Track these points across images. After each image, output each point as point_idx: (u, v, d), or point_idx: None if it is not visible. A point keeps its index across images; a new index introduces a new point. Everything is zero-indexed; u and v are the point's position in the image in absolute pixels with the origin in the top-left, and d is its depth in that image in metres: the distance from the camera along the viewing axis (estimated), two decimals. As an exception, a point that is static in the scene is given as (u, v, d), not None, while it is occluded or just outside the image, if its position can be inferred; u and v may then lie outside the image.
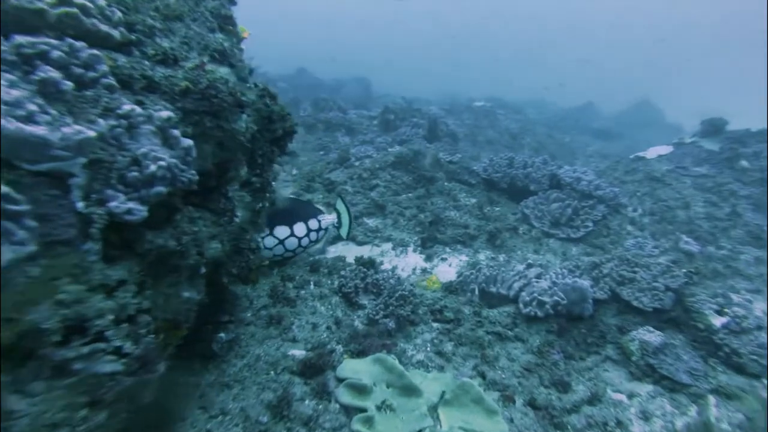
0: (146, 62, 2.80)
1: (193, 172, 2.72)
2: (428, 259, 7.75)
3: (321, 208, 5.82)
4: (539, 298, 5.35)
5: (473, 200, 9.15)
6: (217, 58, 3.45)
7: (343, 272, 5.45)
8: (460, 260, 7.78)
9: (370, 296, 5.38)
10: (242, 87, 3.41)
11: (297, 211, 5.51)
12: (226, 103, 3.02)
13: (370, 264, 5.94)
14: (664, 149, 10.49)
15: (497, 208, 9.14)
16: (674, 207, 8.82)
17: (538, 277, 5.90)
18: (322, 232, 5.80)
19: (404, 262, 7.64)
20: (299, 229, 5.55)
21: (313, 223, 5.71)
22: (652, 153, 10.52)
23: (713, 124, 10.39)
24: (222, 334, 3.66)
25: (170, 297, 2.78)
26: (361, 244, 8.05)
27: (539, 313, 5.30)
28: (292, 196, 5.71)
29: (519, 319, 5.46)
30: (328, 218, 5.84)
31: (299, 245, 5.59)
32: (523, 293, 5.57)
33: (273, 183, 4.11)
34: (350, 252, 7.75)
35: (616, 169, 10.63)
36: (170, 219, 2.78)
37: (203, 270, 3.17)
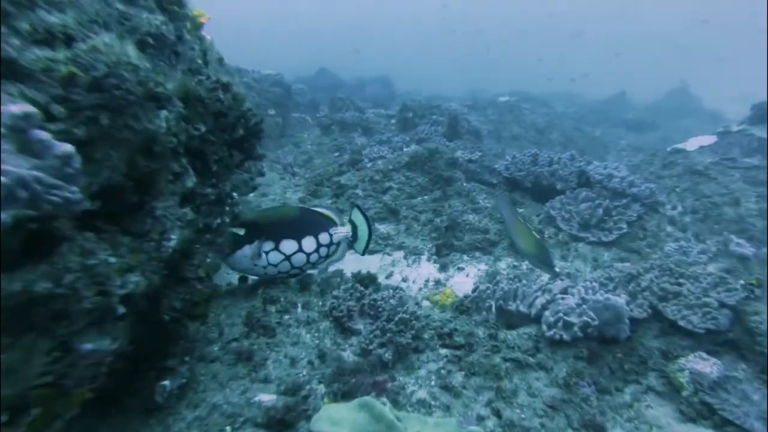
0: (14, 41, 2.03)
1: (75, 188, 1.94)
2: (443, 268, 6.90)
3: (334, 216, 4.93)
4: (565, 318, 4.45)
5: (493, 201, 8.22)
6: (150, 43, 2.66)
7: (336, 292, 4.63)
8: (479, 269, 6.91)
9: (366, 320, 4.56)
10: (172, 77, 2.62)
11: (306, 223, 4.72)
12: (134, 95, 2.24)
13: (369, 280, 5.11)
14: (707, 139, 9.31)
15: (520, 210, 8.20)
16: (720, 203, 7.71)
17: (564, 292, 4.97)
18: (333, 247, 4.97)
19: (416, 273, 6.81)
20: (308, 243, 4.69)
21: (323, 237, 4.88)
22: (692, 144, 9.36)
23: (766, 109, 9.14)
24: (166, 382, 2.88)
25: (47, 354, 2.02)
26: (371, 252, 7.24)
27: (565, 337, 4.39)
28: (301, 205, 4.90)
29: (542, 343, 4.56)
30: (341, 231, 5.02)
31: (308, 261, 4.79)
32: (547, 312, 4.66)
33: (234, 194, 3.33)
34: (354, 265, 6.96)
35: (651, 164, 9.52)
36: (49, 253, 2.01)
37: (121, 310, 2.39)
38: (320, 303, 4.63)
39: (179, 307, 2.89)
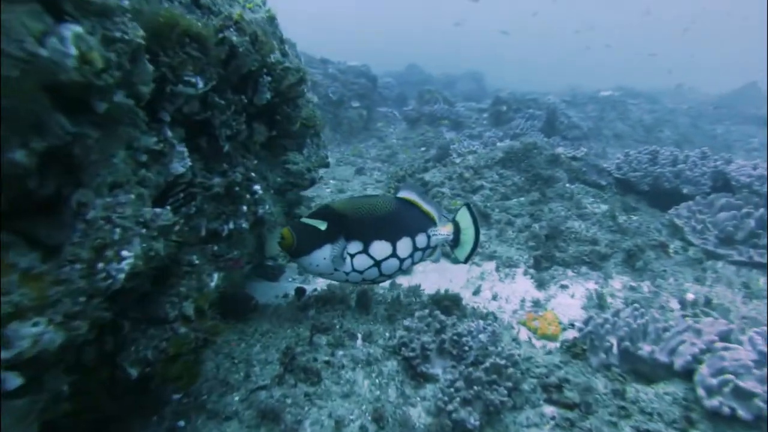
0: None
1: None
2: (542, 285, 5.43)
3: (433, 211, 3.63)
4: (739, 383, 2.89)
5: (603, 207, 6.60)
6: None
7: (408, 322, 3.34)
8: (587, 289, 5.36)
9: (446, 362, 3.23)
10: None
11: (404, 220, 3.43)
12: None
13: (452, 304, 3.77)
14: None
15: (635, 217, 6.52)
16: None
17: (725, 338, 3.37)
18: (428, 251, 3.65)
19: (510, 290, 5.38)
20: (403, 247, 3.42)
21: (420, 240, 3.52)
22: None
23: None
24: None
25: None
26: (456, 262, 5.89)
27: (741, 412, 2.84)
28: (398, 196, 3.48)
29: (696, 413, 3.05)
30: (442, 233, 3.58)
31: (399, 269, 3.48)
32: (703, 368, 3.11)
33: (257, 187, 2.13)
34: (436, 276, 5.64)
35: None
36: None
37: (15, 383, 1.25)
38: (387, 334, 3.36)
39: (151, 358, 1.72)
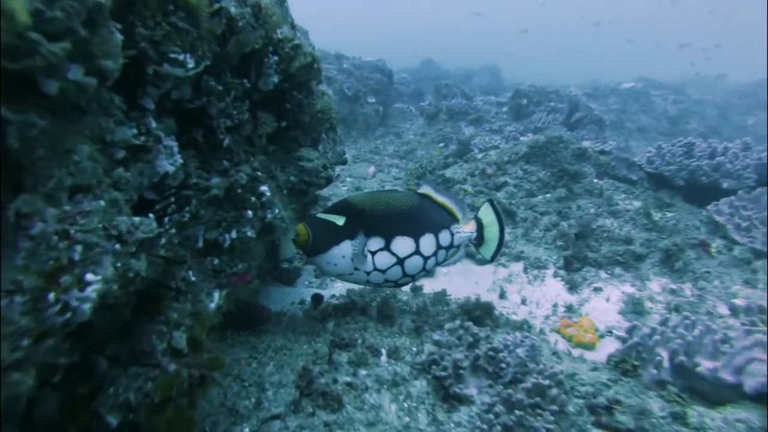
0: None
1: None
2: (574, 288, 5.01)
3: (455, 207, 3.29)
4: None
5: (636, 203, 6.12)
6: None
7: (437, 335, 2.94)
8: (623, 292, 4.94)
9: (482, 381, 2.84)
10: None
11: (426, 216, 3.10)
12: None
13: (484, 313, 3.37)
14: None
15: (670, 214, 6.02)
16: None
17: (798, 353, 2.94)
18: (452, 251, 3.28)
19: (540, 293, 4.97)
20: (427, 244, 3.07)
21: (444, 237, 3.17)
22: None
23: None
24: None
25: None
26: (481, 263, 5.51)
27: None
28: (419, 191, 3.13)
29: (771, 442, 2.60)
30: (465, 231, 3.29)
31: (423, 268, 3.13)
32: (778, 390, 2.67)
33: (265, 188, 1.76)
34: (461, 279, 5.24)
35: None
36: None
37: None
38: (414, 348, 2.98)
39: (134, 402, 1.36)
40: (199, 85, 1.60)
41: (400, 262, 2.98)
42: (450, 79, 15.54)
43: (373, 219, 2.88)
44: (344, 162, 3.61)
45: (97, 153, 1.29)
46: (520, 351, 3.02)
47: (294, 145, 2.32)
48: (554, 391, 2.70)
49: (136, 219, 1.29)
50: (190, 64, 1.47)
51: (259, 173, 1.79)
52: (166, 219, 1.54)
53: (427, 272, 3.20)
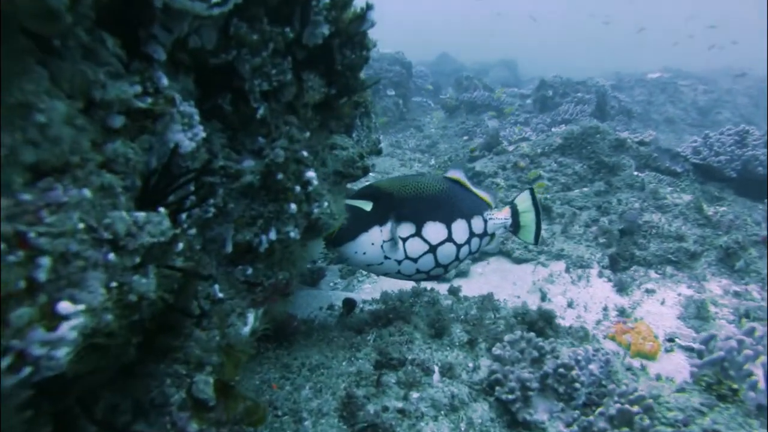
0: None
1: None
2: (623, 289, 4.53)
3: (486, 196, 2.97)
4: None
5: (685, 197, 5.59)
6: None
7: (497, 349, 2.48)
8: (679, 294, 4.44)
9: (552, 402, 2.37)
10: None
11: (457, 201, 2.79)
12: None
13: (545, 322, 2.89)
14: None
15: (722, 208, 5.47)
16: None
17: None
18: (486, 240, 2.92)
19: (587, 295, 4.49)
20: (459, 230, 2.75)
21: (477, 224, 2.83)
22: None
23: None
24: None
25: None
26: (518, 261, 5.04)
27: None
28: (447, 175, 2.86)
29: None
30: (499, 217, 2.94)
31: (456, 258, 2.79)
32: None
33: (312, 174, 1.31)
34: (497, 278, 4.78)
35: None
36: None
37: None
38: (470, 364, 2.52)
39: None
40: (227, 33, 1.15)
41: (433, 249, 2.68)
42: (467, 73, 15.01)
43: (402, 203, 2.63)
44: (379, 152, 3.17)
45: (80, 117, 0.84)
46: (593, 367, 2.55)
47: (331, 124, 1.87)
48: (645, 421, 2.23)
49: (140, 215, 0.84)
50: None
51: (305, 153, 1.34)
52: (184, 215, 1.09)
53: (461, 261, 2.86)
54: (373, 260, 2.63)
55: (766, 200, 5.27)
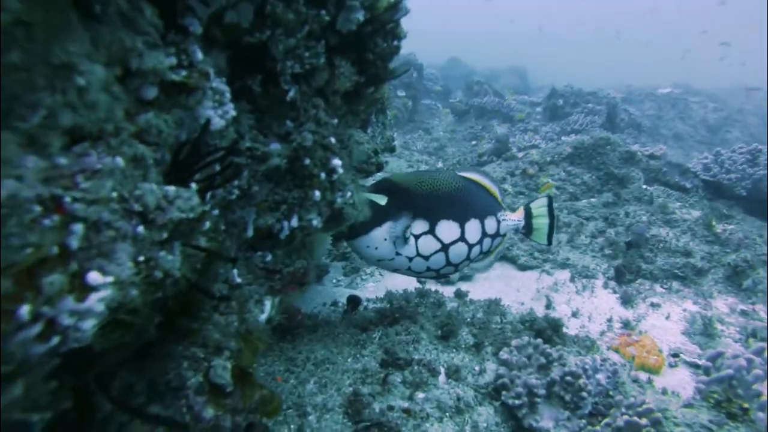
0: None
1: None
2: (628, 302, 4.49)
3: (498, 192, 2.93)
4: None
5: (694, 212, 5.56)
6: None
7: (505, 353, 2.45)
8: (684, 309, 4.41)
9: (558, 410, 2.34)
10: None
11: (472, 200, 2.76)
12: None
13: (553, 330, 2.86)
14: None
15: (731, 226, 5.44)
16: None
17: None
18: (498, 240, 2.89)
19: (591, 306, 4.45)
20: (472, 230, 2.72)
21: (490, 224, 2.80)
22: None
23: None
24: None
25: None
26: (523, 268, 5.01)
27: None
28: (462, 173, 2.83)
29: None
30: (512, 219, 2.90)
31: (467, 257, 2.76)
32: None
33: (338, 162, 1.28)
34: (501, 284, 4.76)
35: None
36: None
37: None
38: (476, 367, 2.49)
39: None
40: (263, 12, 1.12)
41: (445, 248, 2.66)
42: (477, 78, 14.97)
43: (418, 199, 2.59)
44: (393, 149, 3.15)
45: (117, 84, 0.82)
46: (600, 377, 2.52)
47: (356, 117, 1.84)
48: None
49: (171, 189, 0.81)
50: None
51: (333, 140, 1.31)
52: (208, 195, 1.06)
53: (471, 262, 2.83)
54: (384, 255, 2.59)
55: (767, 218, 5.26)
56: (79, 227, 0.66)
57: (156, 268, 0.78)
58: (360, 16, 1.26)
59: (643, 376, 3.42)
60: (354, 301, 3.28)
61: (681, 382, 3.51)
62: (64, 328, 0.64)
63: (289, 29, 1.15)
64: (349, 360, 2.35)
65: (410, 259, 2.62)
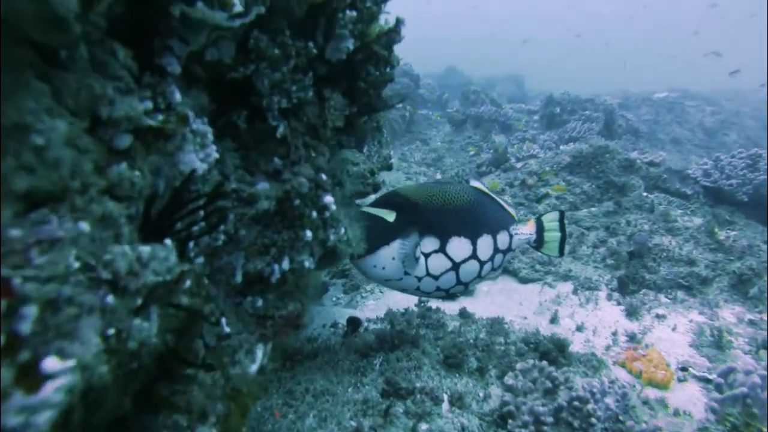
0: None
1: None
2: (633, 314, 4.41)
3: (509, 207, 2.77)
4: None
5: (696, 220, 5.49)
6: None
7: (510, 378, 2.37)
8: (691, 320, 4.32)
9: (566, 439, 2.25)
10: None
11: (484, 214, 2.60)
12: None
13: (558, 349, 2.78)
14: None
15: (733, 233, 5.36)
16: None
17: None
18: (509, 255, 2.76)
19: (596, 319, 4.37)
20: (485, 247, 2.55)
21: (502, 239, 2.64)
22: None
23: None
24: None
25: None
26: (525, 281, 4.92)
27: None
28: (473, 185, 2.69)
29: None
30: (524, 233, 2.76)
31: (479, 275, 2.60)
32: None
33: (329, 199, 1.20)
34: (503, 298, 4.68)
35: None
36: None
37: None
38: (480, 393, 2.40)
39: None
40: (246, 45, 1.05)
41: (456, 267, 2.49)
42: (474, 87, 14.97)
43: (428, 215, 2.43)
44: (390, 168, 3.06)
45: (84, 137, 0.74)
46: (609, 401, 2.43)
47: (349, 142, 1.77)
48: (664, 460, 2.11)
49: (145, 250, 0.74)
50: (237, 7, 0.92)
51: (323, 176, 1.24)
52: (191, 244, 0.99)
53: (482, 279, 2.67)
54: (392, 275, 2.42)
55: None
56: (31, 310, 0.58)
57: (129, 339, 0.70)
58: (350, 44, 1.19)
59: (652, 393, 3.33)
60: (354, 323, 3.20)
61: (691, 397, 3.41)
62: (10, 429, 0.56)
63: (274, 63, 1.08)
64: (350, 390, 2.27)
65: (419, 279, 2.47)
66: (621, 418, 2.39)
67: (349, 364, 2.50)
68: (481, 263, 2.56)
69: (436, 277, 2.47)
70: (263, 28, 1.07)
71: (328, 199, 1.24)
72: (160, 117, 0.89)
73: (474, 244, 2.52)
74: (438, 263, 2.44)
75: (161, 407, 0.85)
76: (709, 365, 3.67)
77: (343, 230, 1.34)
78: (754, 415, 2.52)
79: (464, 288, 2.64)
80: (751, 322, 4.16)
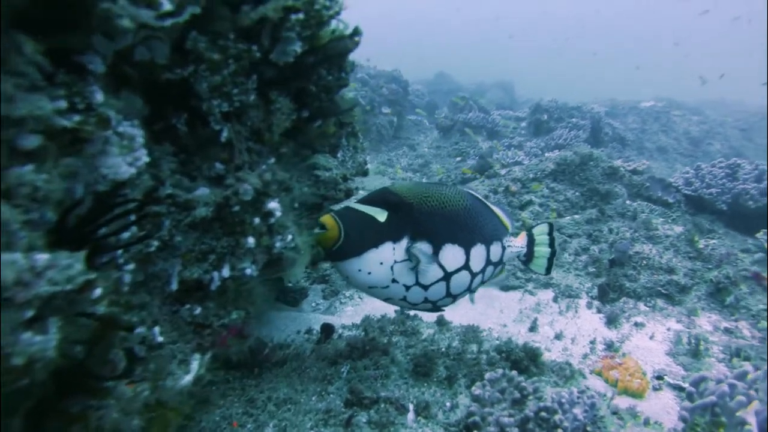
0: None
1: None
2: (612, 322, 4.39)
3: (504, 217, 2.63)
4: None
5: (676, 228, 5.50)
6: None
7: (477, 388, 2.33)
8: (668, 328, 4.32)
9: (533, 450, 2.21)
10: None
11: (480, 222, 2.43)
12: None
13: (529, 358, 2.74)
14: None
15: (713, 241, 5.38)
16: None
17: None
18: (499, 268, 2.63)
19: (575, 327, 4.35)
20: (478, 257, 2.40)
21: (495, 251, 2.50)
22: None
23: None
24: None
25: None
26: (506, 289, 4.90)
27: None
28: (470, 190, 2.52)
29: None
30: (516, 245, 2.64)
31: (468, 288, 2.46)
32: None
33: (274, 205, 1.16)
34: (483, 306, 4.65)
35: None
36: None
37: None
38: (447, 403, 2.36)
39: None
40: (183, 46, 1.01)
41: (447, 277, 2.31)
42: (463, 93, 14.99)
43: (422, 217, 2.24)
44: (365, 173, 3.02)
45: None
46: (577, 411, 2.40)
47: (307, 150, 1.73)
48: (630, 472, 2.07)
49: (41, 258, 0.69)
50: (167, 6, 0.88)
51: (270, 183, 1.19)
52: (120, 251, 0.94)
53: (472, 292, 2.53)
54: (378, 282, 2.22)
55: (757, 234, 5.20)
56: None
57: (12, 356, 0.65)
58: (297, 47, 1.15)
59: (625, 403, 3.29)
60: (327, 330, 3.15)
61: (665, 406, 3.39)
62: None
63: (214, 66, 1.04)
64: (314, 399, 2.22)
65: (407, 287, 2.27)
66: (589, 428, 2.35)
67: (317, 371, 2.45)
68: (473, 275, 2.41)
69: (425, 287, 2.29)
70: (202, 30, 1.03)
71: (273, 205, 1.20)
72: (77, 118, 0.84)
73: (467, 253, 2.35)
74: (430, 273, 2.27)
75: (65, 426, 0.80)
76: (684, 373, 3.65)
77: (290, 237, 1.29)
78: (722, 423, 2.49)
79: (452, 300, 2.47)
80: (727, 330, 4.16)
